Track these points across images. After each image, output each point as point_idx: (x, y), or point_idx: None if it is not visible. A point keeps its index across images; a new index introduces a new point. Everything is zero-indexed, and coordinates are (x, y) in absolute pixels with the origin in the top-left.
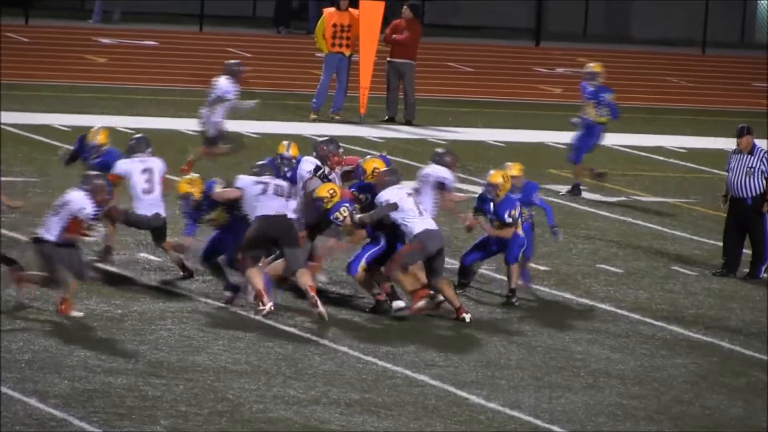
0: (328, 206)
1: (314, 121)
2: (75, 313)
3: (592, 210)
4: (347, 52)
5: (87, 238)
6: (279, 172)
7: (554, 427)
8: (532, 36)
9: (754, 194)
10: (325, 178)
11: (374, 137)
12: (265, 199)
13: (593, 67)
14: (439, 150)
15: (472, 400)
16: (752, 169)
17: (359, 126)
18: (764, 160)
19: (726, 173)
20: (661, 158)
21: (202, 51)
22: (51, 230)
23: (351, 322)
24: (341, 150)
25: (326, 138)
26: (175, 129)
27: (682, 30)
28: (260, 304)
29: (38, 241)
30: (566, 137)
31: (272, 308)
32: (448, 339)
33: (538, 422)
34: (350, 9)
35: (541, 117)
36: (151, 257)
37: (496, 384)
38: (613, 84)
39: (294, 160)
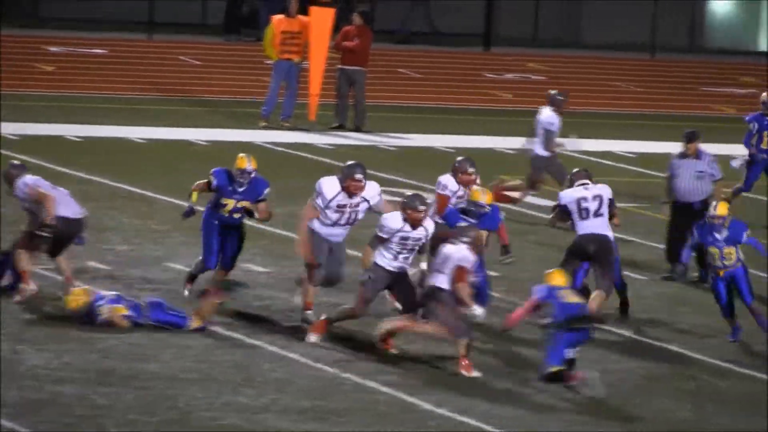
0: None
1: (264, 128)
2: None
3: (544, 215)
4: (297, 59)
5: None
6: (235, 185)
7: None
8: (482, 41)
9: (701, 198)
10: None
11: (324, 144)
12: (66, 200)
13: None
14: (579, 170)
15: (422, 406)
16: (702, 173)
17: (309, 133)
18: (712, 164)
19: (668, 178)
20: (610, 163)
21: (151, 58)
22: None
23: (301, 330)
24: (359, 176)
25: (352, 162)
26: (125, 137)
27: (631, 34)
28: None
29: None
30: (517, 143)
31: (34, 291)
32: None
33: (489, 428)
34: (299, 16)
35: (490, 122)
36: (99, 265)
37: (446, 390)
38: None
39: (253, 175)
